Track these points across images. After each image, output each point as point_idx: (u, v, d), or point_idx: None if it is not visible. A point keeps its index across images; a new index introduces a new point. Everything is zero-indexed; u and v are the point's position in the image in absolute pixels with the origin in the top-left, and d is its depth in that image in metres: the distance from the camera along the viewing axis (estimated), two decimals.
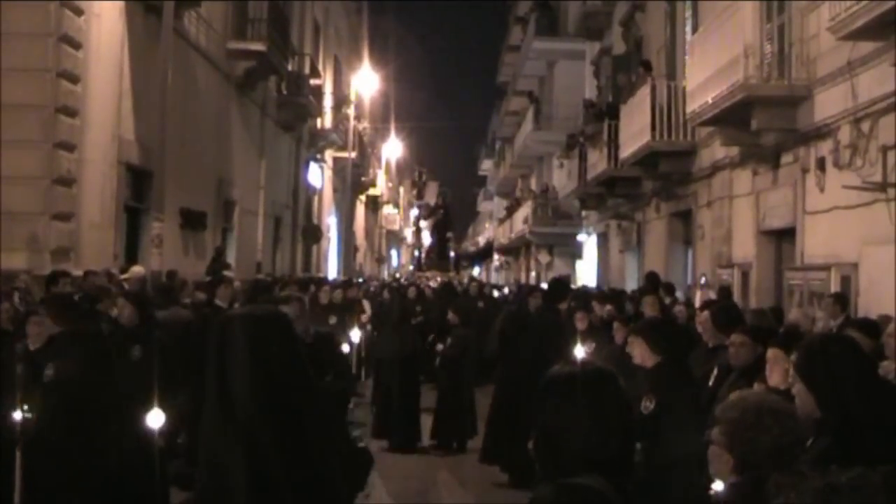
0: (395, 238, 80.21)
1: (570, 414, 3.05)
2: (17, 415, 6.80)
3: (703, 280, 18.30)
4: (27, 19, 14.65)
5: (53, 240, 14.69)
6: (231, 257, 24.89)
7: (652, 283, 17.13)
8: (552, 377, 3.20)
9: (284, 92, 30.20)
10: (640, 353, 7.32)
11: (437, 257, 52.20)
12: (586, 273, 35.60)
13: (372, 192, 55.04)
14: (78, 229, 15.51)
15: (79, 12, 15.31)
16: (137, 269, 14.41)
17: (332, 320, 16.50)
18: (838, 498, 2.92)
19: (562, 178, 40.10)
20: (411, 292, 22.46)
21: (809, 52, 13.90)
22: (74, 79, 15.26)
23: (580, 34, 34.81)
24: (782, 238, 15.74)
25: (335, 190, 42.44)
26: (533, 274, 47.42)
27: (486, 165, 79.12)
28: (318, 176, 37.41)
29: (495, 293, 31.48)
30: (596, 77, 32.89)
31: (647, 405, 6.76)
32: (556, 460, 3.06)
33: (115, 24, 17.02)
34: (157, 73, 16.21)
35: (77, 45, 15.30)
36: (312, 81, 32.91)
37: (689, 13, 20.86)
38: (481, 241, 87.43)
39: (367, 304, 21.19)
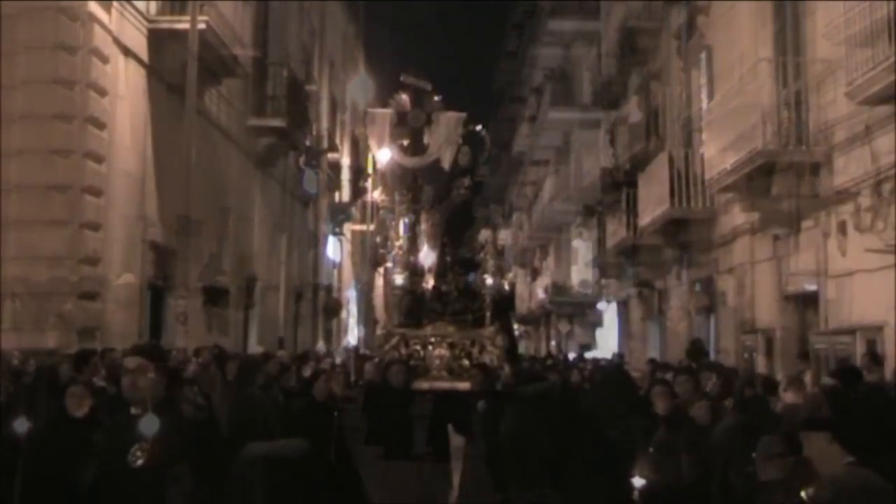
0: None
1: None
2: None
3: None
4: (53, 101, 14.90)
5: (80, 319, 14.78)
6: (253, 333, 24.97)
7: (697, 350, 17.00)
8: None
9: (304, 167, 30.38)
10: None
11: None
12: (608, 342, 35.47)
13: (390, 264, 55.11)
14: (104, 308, 15.61)
15: (103, 93, 15.54)
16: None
17: None
18: None
19: (581, 248, 40.12)
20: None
21: (827, 118, 13.98)
22: (100, 159, 15.45)
23: (595, 103, 35.01)
24: (806, 303, 15.71)
25: (354, 263, 42.55)
26: (553, 343, 47.27)
27: (504, 236, 79.30)
28: (338, 250, 37.53)
29: None
30: (612, 146, 33.02)
31: None
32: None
33: (138, 104, 17.26)
34: (179, 152, 16.45)
35: (102, 126, 15.52)
36: (330, 156, 33.15)
37: (704, 81, 21.00)
38: None
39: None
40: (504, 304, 14.92)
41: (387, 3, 43.74)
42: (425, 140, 14.41)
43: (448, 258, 14.17)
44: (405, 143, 14.49)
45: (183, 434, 5.19)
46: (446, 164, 14.24)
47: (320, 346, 14.46)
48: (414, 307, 14.18)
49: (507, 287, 18.13)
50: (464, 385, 12.19)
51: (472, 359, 12.83)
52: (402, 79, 14.77)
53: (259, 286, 25.64)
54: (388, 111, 14.61)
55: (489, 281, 13.36)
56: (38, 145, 14.74)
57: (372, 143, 15.25)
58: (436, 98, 14.56)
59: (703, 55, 20.94)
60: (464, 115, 14.53)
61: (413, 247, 14.92)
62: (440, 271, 14.18)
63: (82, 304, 14.95)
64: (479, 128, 14.63)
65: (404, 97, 14.50)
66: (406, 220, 15.18)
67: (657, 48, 25.38)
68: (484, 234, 13.71)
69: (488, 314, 13.36)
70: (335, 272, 37.55)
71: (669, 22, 23.81)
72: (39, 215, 14.67)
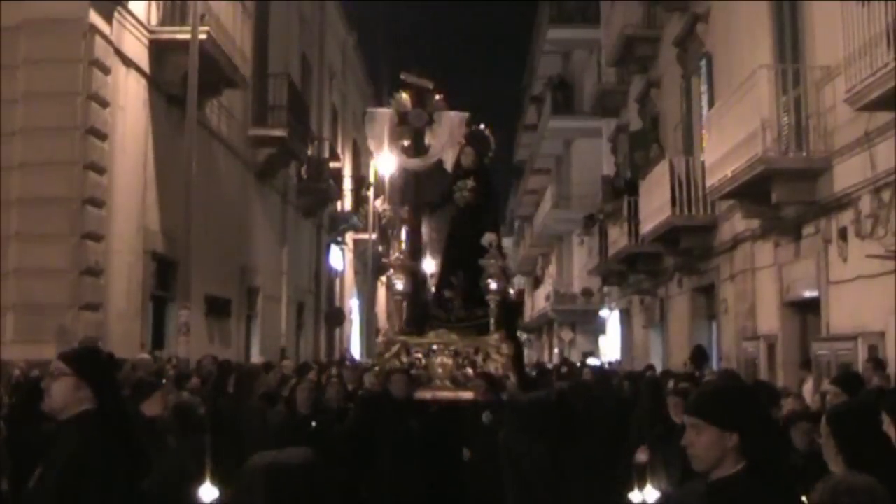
0: None
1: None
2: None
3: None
4: (54, 112, 14.90)
5: (82, 330, 14.78)
6: (255, 343, 24.98)
7: (700, 357, 17.10)
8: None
9: (304, 177, 30.41)
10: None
11: None
12: (610, 349, 35.51)
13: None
14: (106, 319, 15.62)
15: (104, 104, 15.56)
16: (146, 358, 14.36)
17: None
18: None
19: (582, 256, 40.18)
20: None
21: (827, 124, 14.01)
22: (101, 170, 15.46)
23: (596, 112, 35.10)
24: (807, 309, 15.72)
25: (356, 272, 42.55)
26: (556, 351, 47.30)
27: (506, 244, 79.23)
28: (340, 259, 37.54)
29: None
30: (613, 154, 33.09)
31: None
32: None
33: (139, 115, 17.29)
34: (180, 163, 16.48)
35: (103, 137, 15.53)
36: (332, 165, 33.18)
37: (704, 88, 21.03)
38: None
39: None
40: (511, 310, 14.37)
41: (385, 11, 43.61)
42: (427, 141, 14.03)
43: (452, 263, 13.72)
44: (406, 143, 14.21)
45: (90, 458, 4.57)
46: (449, 165, 13.92)
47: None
48: (416, 314, 13.87)
49: (511, 292, 17.36)
50: (467, 395, 11.88)
51: (477, 367, 12.51)
52: (402, 77, 14.35)
53: (261, 296, 25.67)
54: (387, 111, 14.24)
55: (493, 286, 12.91)
56: (40, 157, 14.74)
57: (371, 144, 14.84)
58: (437, 97, 14.21)
59: (703, 62, 20.99)
60: (466, 114, 14.09)
61: (415, 251, 14.57)
62: (443, 277, 13.79)
63: (84, 315, 14.95)
64: (482, 127, 14.25)
65: (405, 96, 14.18)
66: (407, 225, 14.76)
67: (657, 56, 25.46)
68: (488, 237, 13.17)
69: (492, 321, 12.95)
70: (337, 281, 37.56)
71: (669, 30, 23.87)
72: (41, 227, 14.67)
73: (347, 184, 37.78)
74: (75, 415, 4.70)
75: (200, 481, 6.72)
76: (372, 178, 40.33)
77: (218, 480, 6.69)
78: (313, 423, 11.07)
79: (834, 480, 3.73)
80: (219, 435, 9.32)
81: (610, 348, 35.69)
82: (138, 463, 4.90)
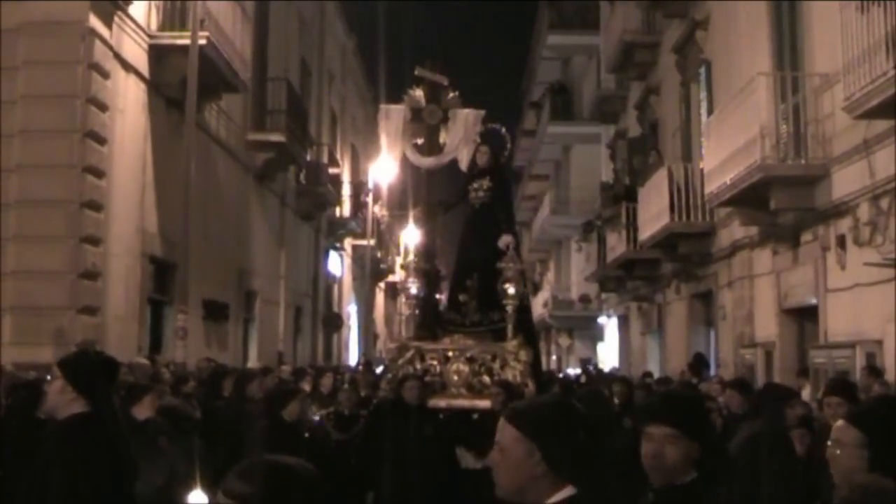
0: None
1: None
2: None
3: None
4: (53, 115, 14.88)
5: (79, 333, 14.75)
6: (253, 347, 24.94)
7: (699, 365, 17.11)
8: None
9: (303, 182, 30.40)
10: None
11: None
12: (608, 356, 35.51)
13: (391, 279, 54.97)
14: (103, 322, 15.59)
15: (103, 108, 15.54)
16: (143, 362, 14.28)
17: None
18: None
19: (580, 262, 40.16)
20: None
21: (825, 131, 14.02)
22: (100, 174, 15.44)
23: (595, 118, 35.09)
24: (805, 316, 15.72)
25: (354, 278, 42.51)
26: (553, 358, 47.25)
27: None
28: (338, 264, 37.52)
29: None
30: (612, 160, 33.07)
31: None
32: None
33: (138, 119, 17.26)
34: (179, 167, 16.46)
35: (102, 141, 15.51)
36: (331, 170, 33.15)
37: (703, 95, 21.05)
38: None
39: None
40: (528, 315, 13.99)
41: (384, 14, 43.56)
42: (441, 139, 13.76)
43: (466, 265, 13.39)
44: (420, 141, 13.97)
45: (65, 460, 4.67)
46: (463, 164, 13.63)
47: None
48: (430, 319, 13.56)
49: (531, 297, 16.82)
50: (484, 403, 11.40)
51: (494, 375, 12.04)
52: (416, 73, 13.95)
53: (258, 300, 25.64)
54: (401, 107, 13.94)
55: (511, 290, 12.60)
56: (38, 160, 14.72)
57: (384, 142, 14.51)
58: (452, 94, 13.81)
59: (702, 69, 21.01)
60: (482, 112, 13.79)
61: (428, 253, 14.27)
62: (457, 279, 13.48)
63: (81, 318, 14.93)
64: (498, 126, 13.96)
65: (419, 93, 13.89)
66: (420, 226, 14.44)
67: (656, 62, 25.47)
68: (505, 240, 12.93)
69: (510, 326, 12.43)
70: (335, 287, 37.53)
71: (668, 36, 23.88)
72: (39, 230, 14.65)
73: (346, 189, 37.75)
74: (64, 417, 4.80)
75: (191, 483, 6.70)
76: (370, 184, 40.35)
77: (209, 483, 6.66)
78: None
79: (861, 482, 3.68)
80: (211, 437, 9.31)
81: (608, 355, 35.68)
82: (123, 466, 4.91)
